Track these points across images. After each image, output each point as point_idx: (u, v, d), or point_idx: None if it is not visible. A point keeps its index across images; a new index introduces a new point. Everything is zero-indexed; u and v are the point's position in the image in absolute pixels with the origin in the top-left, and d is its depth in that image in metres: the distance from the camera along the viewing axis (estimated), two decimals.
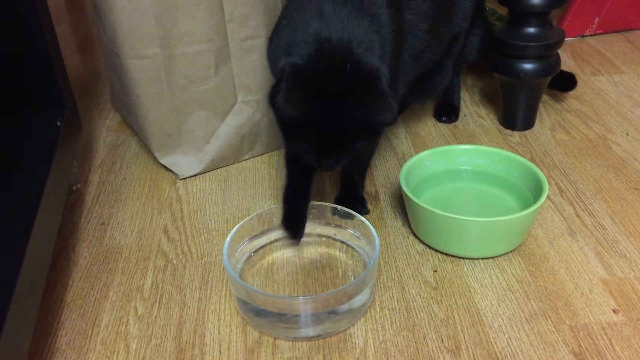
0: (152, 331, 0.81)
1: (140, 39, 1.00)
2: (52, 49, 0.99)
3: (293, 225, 0.90)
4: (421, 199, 0.90)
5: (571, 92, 1.31)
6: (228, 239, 0.85)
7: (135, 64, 1.02)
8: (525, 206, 0.91)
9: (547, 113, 1.27)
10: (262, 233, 0.92)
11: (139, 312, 0.84)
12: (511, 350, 0.76)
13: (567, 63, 1.44)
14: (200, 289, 0.88)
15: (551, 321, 0.80)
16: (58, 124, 0.98)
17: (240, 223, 0.88)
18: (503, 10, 1.44)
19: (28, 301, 0.73)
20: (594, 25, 1.59)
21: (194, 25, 1.02)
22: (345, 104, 0.77)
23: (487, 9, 1.39)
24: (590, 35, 1.60)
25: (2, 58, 0.97)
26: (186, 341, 0.80)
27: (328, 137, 0.80)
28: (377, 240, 0.83)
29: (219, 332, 0.81)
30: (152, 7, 0.98)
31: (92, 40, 1.77)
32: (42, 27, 0.96)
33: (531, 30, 1.12)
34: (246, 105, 1.12)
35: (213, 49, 1.05)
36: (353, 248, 0.91)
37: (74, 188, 1.10)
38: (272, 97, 0.81)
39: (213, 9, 1.02)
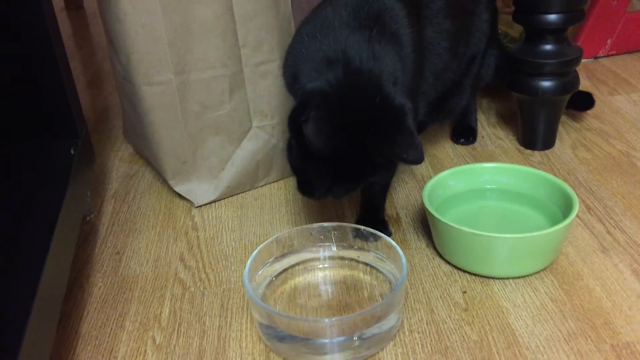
0: None
1: (153, 65, 0.99)
2: (65, 78, 0.98)
3: (307, 187, 0.84)
4: (445, 219, 0.87)
5: (590, 112, 1.30)
6: (248, 262, 0.81)
7: (149, 91, 1.01)
8: (555, 223, 0.87)
9: (567, 132, 1.24)
10: (283, 256, 0.89)
11: (157, 342, 0.81)
12: None
13: (584, 83, 1.42)
14: (220, 316, 0.84)
15: (591, 340, 0.76)
16: (72, 152, 0.96)
17: (259, 247, 0.85)
18: (515, 32, 1.44)
19: (42, 333, 0.69)
20: (607, 47, 1.58)
21: (208, 50, 1.01)
22: (371, 137, 0.75)
23: (500, 31, 1.39)
24: (604, 57, 1.59)
25: (15, 86, 0.96)
26: None
27: (346, 168, 0.78)
28: (403, 260, 0.79)
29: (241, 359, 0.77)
30: (166, 32, 0.97)
31: (102, 77, 1.78)
32: (56, 56, 0.96)
33: (548, 47, 1.10)
34: (261, 130, 1.10)
35: (227, 74, 1.03)
36: (377, 270, 0.88)
37: (88, 219, 1.08)
38: (293, 120, 0.78)
39: (227, 34, 1.01)
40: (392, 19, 0.82)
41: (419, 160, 0.77)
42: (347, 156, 0.77)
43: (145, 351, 0.79)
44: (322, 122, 0.74)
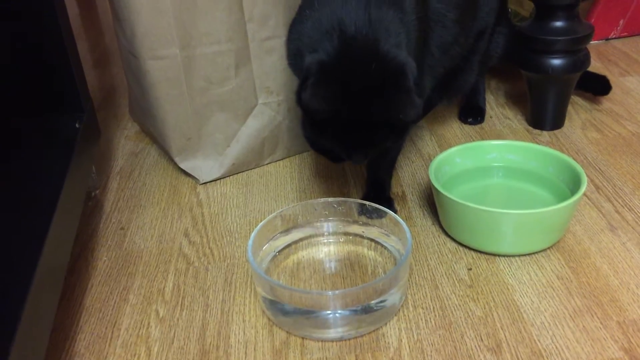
0: (174, 333, 0.77)
1: (159, 39, 0.98)
2: (70, 52, 0.97)
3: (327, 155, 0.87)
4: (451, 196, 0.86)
5: None
6: (252, 236, 0.81)
7: (154, 65, 1.00)
8: (563, 201, 0.86)
9: (577, 112, 1.23)
10: (287, 231, 0.88)
11: (161, 315, 0.80)
12: (556, 347, 0.71)
13: (595, 65, 1.40)
14: (224, 290, 0.84)
15: (597, 317, 0.75)
16: (76, 125, 0.96)
17: (263, 222, 0.85)
18: (526, 12, 1.42)
19: (43, 304, 0.69)
20: (618, 28, 1.55)
21: (214, 24, 1.00)
22: (371, 101, 0.76)
23: (510, 10, 1.37)
24: (616, 38, 1.57)
25: (20, 61, 0.96)
26: (210, 343, 0.75)
27: (356, 133, 0.78)
28: (408, 235, 0.79)
29: (244, 333, 0.76)
30: (171, 6, 0.96)
31: (109, 56, 1.77)
32: (61, 31, 0.95)
33: (559, 24, 1.08)
34: (267, 107, 1.09)
35: (233, 49, 1.02)
36: (382, 245, 0.87)
37: (93, 195, 1.07)
38: (299, 95, 0.79)
39: (232, 8, 1.00)
40: None
41: (414, 117, 0.77)
42: (353, 122, 0.77)
43: (148, 324, 0.79)
44: (318, 87, 0.75)
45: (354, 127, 0.78)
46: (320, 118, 0.78)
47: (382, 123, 0.78)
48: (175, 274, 0.88)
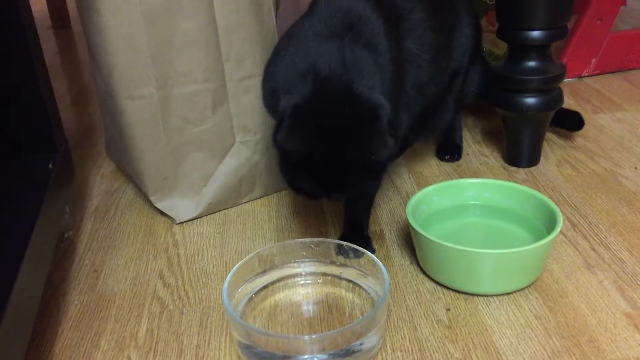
0: None
1: (135, 78, 0.98)
2: (44, 91, 0.96)
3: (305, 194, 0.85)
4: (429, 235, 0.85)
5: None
6: (228, 279, 0.80)
7: (131, 105, 0.99)
8: (539, 239, 0.86)
9: (552, 150, 1.24)
10: (264, 272, 0.87)
11: None
12: None
13: (568, 102, 1.42)
14: (199, 335, 0.82)
15: (576, 358, 0.74)
16: (50, 166, 0.95)
17: (240, 263, 0.84)
18: (500, 51, 1.44)
19: (11, 351, 0.67)
20: (591, 66, 1.59)
21: (191, 64, 1.00)
22: (345, 141, 0.76)
23: (484, 49, 1.39)
24: (588, 76, 1.60)
25: None
26: None
27: (333, 174, 0.79)
28: (386, 276, 0.78)
29: None
30: (148, 45, 0.96)
31: (87, 95, 1.76)
32: (35, 70, 0.94)
33: (532, 64, 1.10)
34: (244, 146, 1.09)
35: (210, 89, 1.02)
36: (360, 286, 0.86)
37: (66, 236, 1.05)
38: (275, 136, 0.80)
39: (210, 48, 1.00)
40: (366, 28, 0.83)
41: (387, 157, 0.78)
42: (328, 163, 0.78)
43: None
44: (293, 129, 0.76)
45: (330, 167, 0.78)
46: (296, 159, 0.78)
47: (357, 163, 0.78)
48: (149, 318, 0.86)
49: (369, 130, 0.76)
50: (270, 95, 0.87)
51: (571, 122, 1.26)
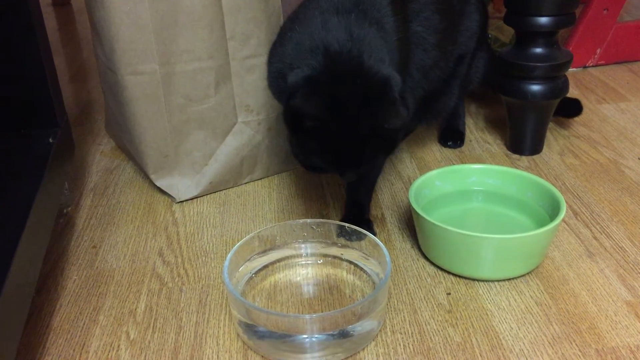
0: (145, 357, 0.75)
1: (138, 54, 0.97)
2: (46, 66, 0.95)
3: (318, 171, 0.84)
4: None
5: (578, 119, 1.29)
6: (228, 257, 0.79)
7: (133, 81, 0.98)
8: (542, 226, 0.86)
9: (555, 139, 1.24)
10: (264, 252, 0.87)
11: (131, 337, 0.78)
12: None
13: (572, 92, 1.41)
14: (198, 312, 0.82)
15: (576, 345, 0.74)
16: (50, 140, 0.94)
17: (240, 242, 0.83)
18: (506, 38, 1.43)
19: (9, 325, 0.66)
20: (596, 56, 1.58)
21: (195, 42, 0.98)
22: (358, 113, 0.76)
23: (490, 36, 1.38)
24: (593, 66, 1.59)
25: None
26: None
27: (347, 151, 0.78)
28: (388, 258, 0.77)
29: (217, 357, 0.74)
30: (152, 21, 0.95)
31: (87, 72, 1.75)
32: (38, 45, 0.93)
33: (539, 50, 1.09)
34: (246, 126, 1.08)
35: (213, 67, 1.01)
36: (361, 268, 0.86)
37: (65, 211, 1.05)
38: (287, 114, 0.79)
39: (214, 26, 0.99)
40: (373, 6, 0.82)
41: (400, 125, 0.77)
42: (342, 138, 0.77)
43: (118, 346, 0.77)
44: (310, 93, 0.75)
45: (344, 143, 0.77)
46: (312, 126, 0.77)
47: (370, 137, 0.77)
48: (148, 295, 0.85)
49: (381, 100, 0.76)
50: (276, 77, 0.86)
51: (570, 109, 1.25)
